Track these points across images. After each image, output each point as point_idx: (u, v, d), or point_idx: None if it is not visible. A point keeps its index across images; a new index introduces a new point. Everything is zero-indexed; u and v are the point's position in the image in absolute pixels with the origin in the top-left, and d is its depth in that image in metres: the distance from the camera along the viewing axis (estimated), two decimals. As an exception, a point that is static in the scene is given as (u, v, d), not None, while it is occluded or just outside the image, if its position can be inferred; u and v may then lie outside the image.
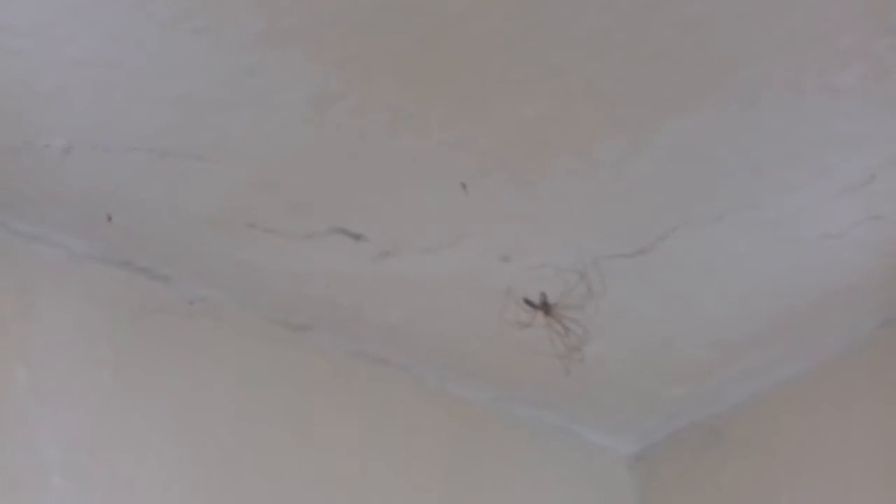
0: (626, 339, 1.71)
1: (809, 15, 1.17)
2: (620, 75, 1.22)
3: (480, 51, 1.19)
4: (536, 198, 1.40)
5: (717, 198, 1.43)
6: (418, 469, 1.70)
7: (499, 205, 1.42)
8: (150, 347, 1.46)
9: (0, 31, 1.12)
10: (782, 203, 1.44)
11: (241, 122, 1.25)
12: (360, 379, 1.68)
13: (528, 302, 1.39)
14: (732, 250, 1.53)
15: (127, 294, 1.45)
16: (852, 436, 1.75)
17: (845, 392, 1.77)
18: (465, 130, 1.28)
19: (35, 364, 1.34)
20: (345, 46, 1.17)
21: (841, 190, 1.41)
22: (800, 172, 1.39)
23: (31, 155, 1.25)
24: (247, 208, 1.39)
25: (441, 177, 1.36)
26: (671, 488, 1.98)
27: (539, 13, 1.14)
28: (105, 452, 1.35)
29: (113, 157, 1.26)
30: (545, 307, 1.37)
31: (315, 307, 1.59)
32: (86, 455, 1.33)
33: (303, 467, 1.55)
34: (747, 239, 1.50)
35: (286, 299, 1.57)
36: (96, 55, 1.16)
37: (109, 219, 1.32)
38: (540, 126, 1.28)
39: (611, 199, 1.41)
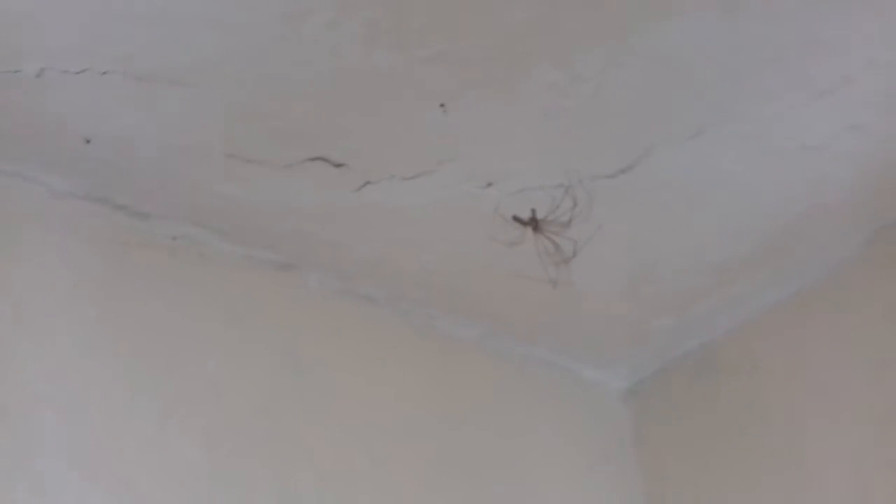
0: (612, 266, 1.71)
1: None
2: (598, -21, 1.22)
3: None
4: (517, 116, 1.39)
5: (696, 110, 1.42)
6: (408, 406, 1.70)
7: (479, 126, 1.41)
8: (135, 283, 1.45)
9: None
10: (761, 113, 1.43)
11: (216, 42, 1.23)
12: (347, 317, 1.68)
13: (517, 219, 1.38)
14: (714, 166, 1.52)
15: (109, 231, 1.44)
16: (844, 356, 1.75)
17: (835, 312, 1.77)
18: (444, 43, 1.27)
19: (20, 300, 1.33)
20: (317, -42, 1.16)
21: (819, 95, 1.41)
22: (777, 79, 1.38)
23: (2, 82, 1.23)
24: (226, 137, 1.38)
25: (420, 96, 1.34)
26: (665, 421, 1.98)
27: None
28: (96, 387, 1.34)
29: (86, 81, 1.25)
30: (534, 223, 1.37)
31: (299, 243, 1.58)
32: (77, 389, 1.32)
33: (293, 404, 1.54)
34: (728, 153, 1.50)
35: (270, 235, 1.56)
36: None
37: (87, 141, 1.30)
38: (520, 36, 1.26)
39: (593, 115, 1.41)
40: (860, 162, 1.54)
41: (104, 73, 1.24)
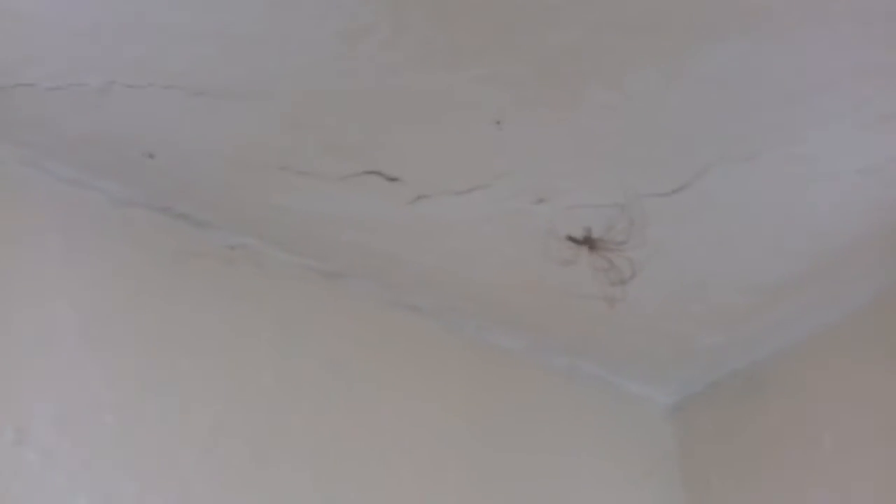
0: (663, 283, 1.71)
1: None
2: (652, 2, 1.22)
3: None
4: (571, 134, 1.40)
5: (751, 132, 1.42)
6: (454, 417, 1.71)
7: (533, 143, 1.42)
8: (192, 292, 1.48)
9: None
10: (817, 137, 1.42)
11: (272, 58, 1.26)
12: (396, 327, 1.70)
13: (571, 239, 1.39)
14: (768, 188, 1.52)
15: (167, 239, 1.48)
16: (891, 381, 1.73)
17: (882, 336, 1.75)
18: (498, 63, 1.28)
19: (82, 306, 1.36)
20: (375, -22, 1.18)
21: (876, 121, 1.39)
22: (834, 103, 1.37)
23: (68, 94, 1.27)
24: (280, 149, 1.40)
25: (474, 113, 1.36)
26: (710, 438, 1.98)
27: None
28: (152, 392, 1.38)
29: (148, 96, 1.28)
30: (589, 242, 1.37)
31: (350, 253, 1.61)
32: (134, 395, 1.35)
33: (341, 412, 1.56)
34: (782, 176, 1.49)
35: (323, 245, 1.59)
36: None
37: (151, 157, 1.34)
38: (573, 56, 1.27)
39: (646, 135, 1.41)
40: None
41: (167, 87, 1.28)
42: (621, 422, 1.96)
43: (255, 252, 1.55)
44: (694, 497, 1.96)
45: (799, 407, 1.85)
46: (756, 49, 1.29)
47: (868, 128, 1.41)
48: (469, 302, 1.73)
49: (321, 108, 1.35)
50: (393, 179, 1.47)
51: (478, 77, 1.30)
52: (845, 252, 1.65)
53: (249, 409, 1.45)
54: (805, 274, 1.69)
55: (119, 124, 1.34)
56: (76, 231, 1.41)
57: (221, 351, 1.46)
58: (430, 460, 1.64)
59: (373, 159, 1.44)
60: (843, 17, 1.26)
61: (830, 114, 1.39)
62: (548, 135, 1.41)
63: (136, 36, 1.21)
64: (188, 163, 1.41)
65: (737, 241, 1.63)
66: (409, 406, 1.66)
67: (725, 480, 1.93)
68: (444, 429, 1.69)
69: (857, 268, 1.69)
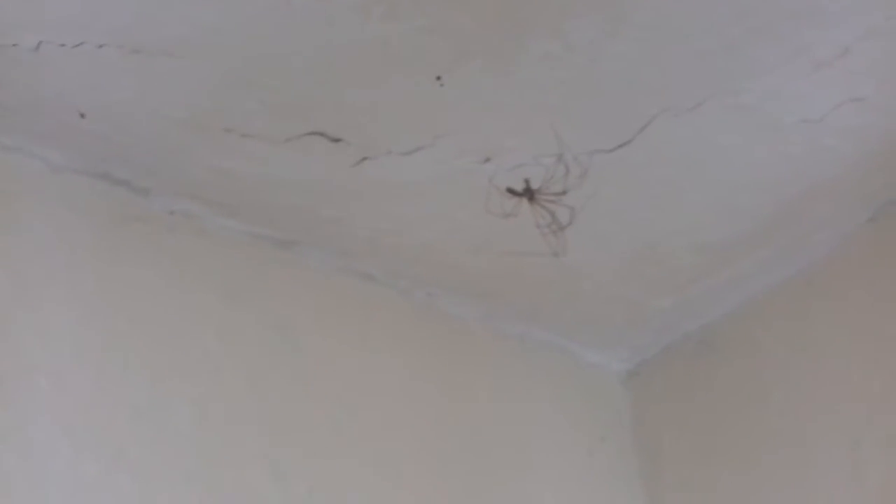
0: (611, 245, 1.71)
1: None
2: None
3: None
4: (514, 88, 1.39)
5: (694, 83, 1.42)
6: (407, 386, 1.69)
7: (476, 98, 1.40)
8: (132, 257, 1.45)
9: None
10: (759, 85, 1.42)
11: (210, 14, 1.23)
12: (347, 295, 1.68)
13: (511, 190, 1.38)
14: (713, 141, 1.52)
15: (107, 205, 1.44)
16: (846, 336, 1.74)
17: (836, 292, 1.75)
18: (439, 13, 1.26)
19: (17, 271, 1.33)
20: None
21: (817, 67, 1.40)
22: (775, 50, 1.37)
23: (1, 56, 1.24)
24: (222, 110, 1.38)
25: (416, 67, 1.35)
26: (664, 403, 1.97)
27: None
28: (90, 357, 1.34)
29: (83, 55, 1.25)
30: (529, 193, 1.36)
31: (298, 219, 1.59)
32: (70, 359, 1.32)
33: (287, 379, 1.54)
34: (727, 127, 1.49)
35: (268, 211, 1.56)
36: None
37: (82, 116, 1.31)
38: (513, 5, 1.26)
39: (588, 87, 1.40)
40: (862, 135, 1.53)
41: (100, 46, 1.25)
42: (575, 389, 1.95)
43: (197, 218, 1.52)
44: (649, 461, 1.95)
45: (753, 368, 1.85)
46: (697, -5, 1.30)
47: (810, 75, 1.41)
48: (420, 267, 1.72)
49: (261, 65, 1.32)
50: (336, 140, 1.45)
51: (419, 28, 1.28)
52: (795, 206, 1.65)
53: (190, 372, 1.42)
54: (755, 231, 1.70)
55: (52, 87, 1.30)
56: (13, 197, 1.38)
57: (162, 315, 1.43)
58: (381, 428, 1.62)
59: (316, 119, 1.42)
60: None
61: (772, 62, 1.39)
62: (490, 90, 1.39)
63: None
64: (126, 126, 1.38)
65: (685, 198, 1.63)
66: (359, 374, 1.63)
67: (680, 444, 1.93)
68: (395, 397, 1.67)
69: (807, 222, 1.69)
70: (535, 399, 1.88)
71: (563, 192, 1.35)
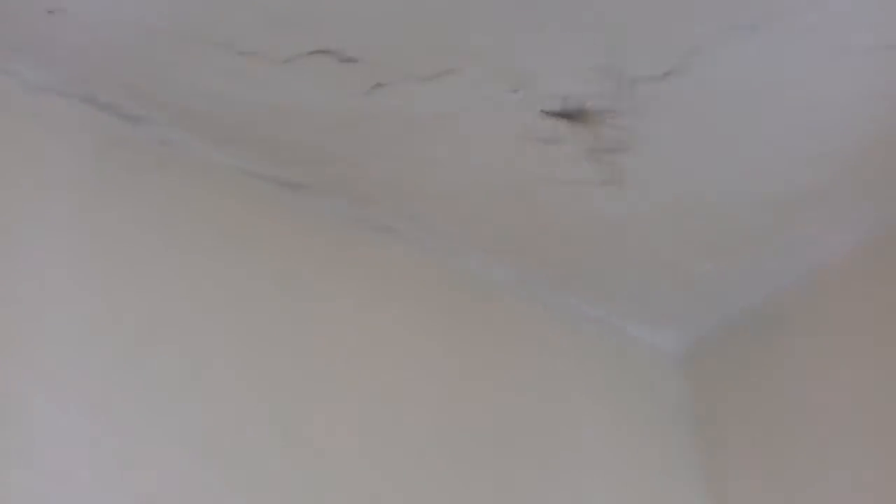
0: (660, 198, 1.50)
1: None
2: None
3: None
4: (545, 3, 1.21)
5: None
6: (426, 359, 1.50)
7: (504, 12, 1.23)
8: (118, 195, 1.28)
9: None
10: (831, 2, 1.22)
11: None
12: (362, 250, 1.50)
13: (549, 112, 1.19)
14: (775, 70, 1.31)
15: (91, 133, 1.29)
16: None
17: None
18: None
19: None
20: None
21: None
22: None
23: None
24: (214, 21, 1.21)
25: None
26: (727, 386, 1.76)
27: None
28: (69, 299, 1.19)
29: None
30: (569, 114, 1.17)
31: (304, 157, 1.41)
32: (48, 300, 1.17)
33: (292, 335, 1.36)
34: (791, 54, 1.29)
35: (270, 145, 1.39)
36: None
37: (50, 13, 1.16)
38: None
39: (631, 4, 1.22)
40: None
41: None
42: (623, 370, 1.75)
43: (191, 150, 1.35)
44: (708, 453, 1.74)
45: (825, 346, 1.63)
46: None
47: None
48: (445, 220, 1.53)
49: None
50: (347, 61, 1.28)
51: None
52: (877, 151, 1.43)
53: (180, 319, 1.26)
54: (832, 180, 1.47)
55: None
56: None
57: (151, 258, 1.27)
58: (394, 403, 1.43)
59: (322, 35, 1.25)
60: None
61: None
62: (520, 5, 1.22)
63: None
64: (105, 37, 1.23)
65: (743, 142, 1.42)
66: (374, 336, 1.45)
67: (743, 434, 1.71)
68: (412, 371, 1.47)
69: (888, 173, 1.48)
70: (573, 381, 1.67)
71: (613, 111, 1.15)
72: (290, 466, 1.28)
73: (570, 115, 1.18)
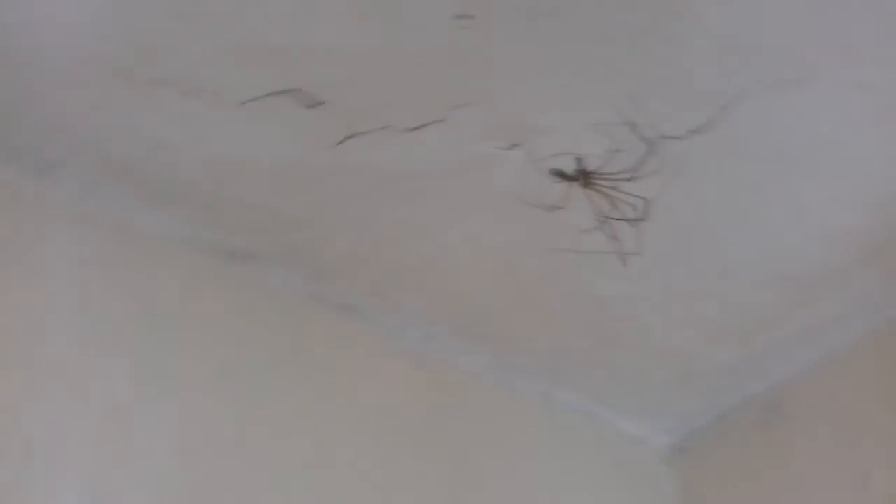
0: (667, 278, 1.32)
1: None
2: None
3: None
4: (556, 43, 1.01)
5: (795, 47, 1.03)
6: (393, 454, 1.33)
7: (507, 54, 1.02)
8: (17, 259, 1.05)
9: None
10: (889, 56, 1.05)
11: None
12: (317, 332, 1.30)
13: (557, 173, 0.99)
14: (815, 129, 1.14)
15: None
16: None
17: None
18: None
19: None
20: None
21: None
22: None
23: None
24: (153, 52, 0.99)
25: (428, 8, 0.96)
26: (720, 486, 1.58)
27: None
28: None
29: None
30: (582, 175, 0.96)
31: (255, 221, 1.19)
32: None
33: (236, 446, 1.14)
34: (835, 112, 1.12)
35: (215, 206, 1.16)
36: None
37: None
38: None
39: (657, 49, 1.02)
40: None
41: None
42: (608, 466, 1.58)
43: (119, 209, 1.12)
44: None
45: (834, 441, 1.45)
46: None
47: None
48: (418, 298, 1.32)
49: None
50: (315, 105, 1.05)
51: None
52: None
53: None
54: (855, 262, 1.30)
55: None
56: None
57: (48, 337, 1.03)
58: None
59: (287, 73, 1.03)
60: None
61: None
62: (527, 44, 1.01)
63: None
64: (20, 65, 0.98)
65: (768, 212, 1.24)
66: (335, 438, 1.25)
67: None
68: (380, 467, 1.29)
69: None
70: (557, 478, 1.52)
71: (630, 177, 0.95)
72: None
73: (574, 178, 0.97)
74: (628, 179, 0.95)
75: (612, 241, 0.98)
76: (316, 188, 1.15)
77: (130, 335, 1.10)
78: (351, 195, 1.16)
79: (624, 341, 1.44)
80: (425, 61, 1.03)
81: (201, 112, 1.04)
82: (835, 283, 1.35)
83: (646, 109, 1.07)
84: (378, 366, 1.34)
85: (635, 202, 0.96)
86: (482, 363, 1.44)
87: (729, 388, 1.54)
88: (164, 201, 1.14)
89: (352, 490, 1.25)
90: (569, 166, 0.99)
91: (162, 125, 1.05)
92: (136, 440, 1.07)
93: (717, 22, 1.01)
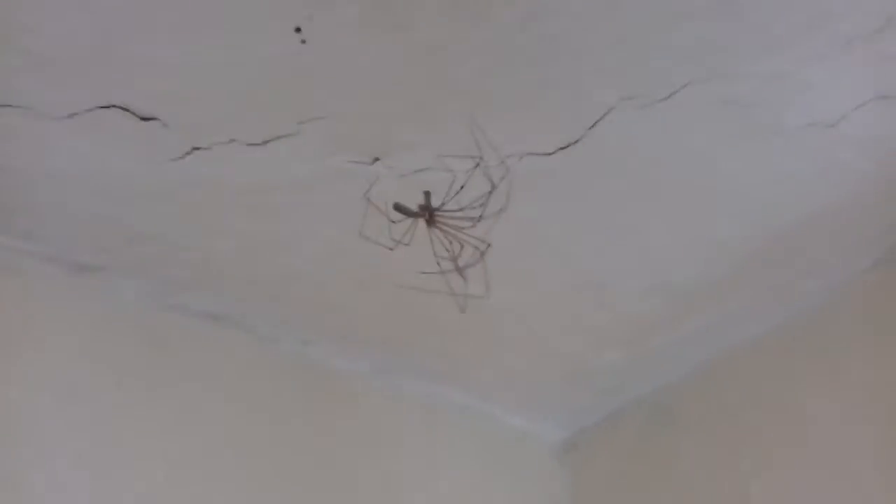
0: (545, 282, 1.29)
1: None
2: None
3: None
4: (412, 56, 0.95)
5: (662, 63, 0.99)
6: (270, 467, 1.28)
7: (355, 67, 0.96)
8: None
9: None
10: (757, 70, 1.00)
11: None
12: (177, 343, 1.24)
13: (401, 208, 0.93)
14: (686, 145, 1.10)
15: None
16: (831, 404, 1.34)
17: (829, 350, 1.36)
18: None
19: None
20: None
21: (842, 46, 0.98)
22: (787, 19, 0.95)
23: None
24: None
25: (266, 15, 0.90)
26: (610, 483, 1.59)
27: None
28: None
29: None
30: (428, 212, 0.91)
31: (104, 236, 1.13)
32: None
33: (91, 461, 1.09)
34: (706, 127, 1.08)
35: (57, 222, 1.10)
36: None
37: None
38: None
39: (522, 61, 0.97)
40: (886, 149, 1.12)
41: None
42: (499, 463, 1.54)
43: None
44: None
45: (720, 445, 1.45)
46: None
47: (829, 57, 0.99)
48: (286, 306, 1.27)
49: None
50: (148, 119, 0.99)
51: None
52: (785, 240, 1.25)
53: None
54: (732, 271, 1.29)
55: None
56: None
57: None
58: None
59: (115, 86, 0.96)
60: None
61: (777, 36, 0.97)
62: (378, 55, 0.95)
63: None
64: None
65: (644, 224, 1.20)
66: (202, 452, 1.21)
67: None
68: (256, 481, 1.25)
69: (798, 263, 1.29)
70: (444, 477, 1.49)
71: (478, 216, 0.90)
72: None
73: (425, 212, 0.91)
74: (476, 217, 0.89)
75: (454, 283, 0.93)
76: (164, 203, 1.08)
77: None
78: (199, 208, 1.10)
79: (510, 345, 1.41)
80: (271, 73, 0.96)
81: (34, 127, 0.97)
82: (718, 290, 1.32)
83: (505, 130, 1.02)
84: (256, 370, 1.30)
85: (479, 244, 0.90)
86: (363, 366, 1.40)
87: (617, 389, 1.52)
88: (6, 223, 1.08)
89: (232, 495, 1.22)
90: (414, 200, 0.93)
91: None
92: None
93: (577, 38, 0.96)
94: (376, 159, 1.07)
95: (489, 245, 0.91)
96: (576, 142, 1.06)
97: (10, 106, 0.96)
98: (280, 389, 1.32)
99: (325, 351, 1.35)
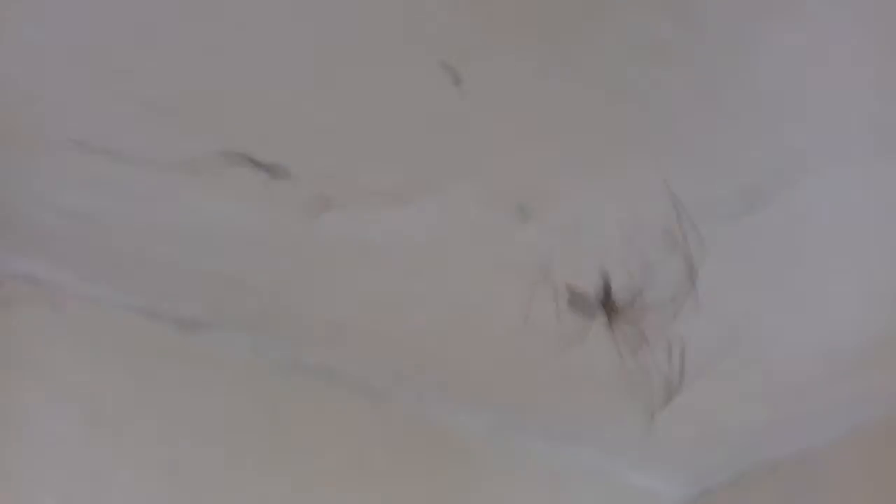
0: (696, 336, 1.14)
1: None
2: None
3: None
4: (573, 105, 0.82)
5: (863, 109, 0.85)
6: None
7: (513, 117, 0.84)
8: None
9: None
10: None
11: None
12: (293, 401, 1.13)
13: (575, 296, 0.77)
14: (884, 201, 0.95)
15: None
16: None
17: None
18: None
19: None
20: None
21: None
22: None
23: None
24: (84, 112, 0.80)
25: (413, 58, 0.78)
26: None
27: None
28: None
29: None
30: (607, 304, 0.75)
31: (215, 293, 1.02)
32: None
33: None
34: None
35: (168, 279, 0.99)
36: None
37: None
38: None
39: (700, 110, 0.83)
40: None
41: None
42: None
43: (52, 288, 0.94)
44: None
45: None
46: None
47: None
48: (407, 363, 1.15)
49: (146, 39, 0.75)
50: (276, 172, 0.87)
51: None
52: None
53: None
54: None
55: None
56: None
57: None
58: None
59: (241, 136, 0.84)
60: None
61: None
62: (536, 106, 0.83)
63: None
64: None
65: (819, 283, 1.06)
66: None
67: None
68: None
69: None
70: None
71: (677, 308, 0.74)
72: None
73: (604, 305, 0.77)
74: (673, 309, 0.73)
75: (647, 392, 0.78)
76: (287, 262, 0.97)
77: (87, 413, 0.96)
78: (325, 268, 0.98)
79: (637, 399, 1.28)
80: (412, 120, 0.84)
81: (144, 180, 0.86)
82: (887, 351, 1.18)
83: (686, 190, 0.89)
84: (367, 433, 1.20)
85: (674, 345, 0.75)
86: (479, 424, 1.29)
87: (751, 448, 1.39)
88: (110, 278, 0.98)
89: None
90: (589, 285, 0.76)
91: (96, 196, 0.88)
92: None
93: (763, 88, 0.82)
94: (525, 210, 0.95)
95: (684, 346, 0.76)
96: (763, 201, 0.93)
97: (126, 158, 0.85)
98: (397, 450, 1.22)
99: (444, 409, 1.24)
